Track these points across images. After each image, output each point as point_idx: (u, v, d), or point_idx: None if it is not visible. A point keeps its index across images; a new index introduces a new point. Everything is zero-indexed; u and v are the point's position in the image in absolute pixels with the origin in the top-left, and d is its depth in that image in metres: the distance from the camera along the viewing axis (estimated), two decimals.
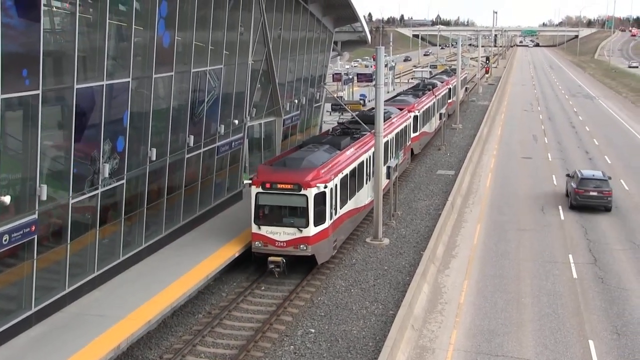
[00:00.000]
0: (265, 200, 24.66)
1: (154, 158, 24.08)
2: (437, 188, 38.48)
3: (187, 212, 27.69)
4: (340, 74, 74.64)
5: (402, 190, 37.41)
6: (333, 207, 25.44)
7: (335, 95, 58.63)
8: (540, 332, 21.15)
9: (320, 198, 24.46)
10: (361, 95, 72.27)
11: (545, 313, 22.48)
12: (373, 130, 29.97)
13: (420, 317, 21.88)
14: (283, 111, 37.69)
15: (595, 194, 34.38)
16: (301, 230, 24.36)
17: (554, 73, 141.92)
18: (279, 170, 25.20)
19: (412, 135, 43.74)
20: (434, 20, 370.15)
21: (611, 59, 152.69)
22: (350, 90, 75.74)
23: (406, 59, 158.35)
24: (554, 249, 28.81)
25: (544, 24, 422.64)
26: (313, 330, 21.03)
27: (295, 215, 24.58)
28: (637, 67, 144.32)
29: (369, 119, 32.50)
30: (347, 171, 27.10)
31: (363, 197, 29.93)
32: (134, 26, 22.06)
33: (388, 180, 32.35)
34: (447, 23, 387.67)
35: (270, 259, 24.60)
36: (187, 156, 26.92)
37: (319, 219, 24.56)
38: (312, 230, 24.42)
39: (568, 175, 37.17)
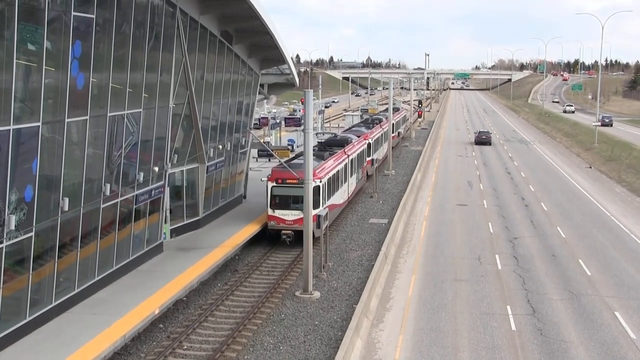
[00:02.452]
0: (278, 192, 36.41)
1: (66, 208, 23.56)
2: (369, 237, 38.76)
3: (102, 267, 27.09)
4: (267, 118, 74.99)
5: (333, 240, 37.54)
6: (324, 197, 37.21)
7: (262, 141, 58.75)
8: None
9: (316, 190, 35.36)
10: (289, 140, 72.66)
11: None
12: (344, 148, 46.35)
13: None
14: (206, 157, 37.54)
15: (484, 137, 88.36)
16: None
17: (488, 117, 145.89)
18: (286, 171, 36.38)
19: (367, 159, 54.99)
20: (365, 62, 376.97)
21: (544, 103, 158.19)
22: (278, 135, 76.12)
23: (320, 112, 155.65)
24: (491, 300, 29.26)
25: (477, 67, 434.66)
26: None
27: (299, 201, 34.73)
28: (558, 102, 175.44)
29: (337, 143, 47.96)
30: (330, 174, 39.22)
31: (339, 197, 42.04)
32: (44, 67, 21.74)
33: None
34: (377, 65, 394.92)
35: (283, 232, 36.34)
36: (102, 206, 26.45)
37: (316, 204, 34.70)
38: (311, 212, 33.19)
39: (475, 132, 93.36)
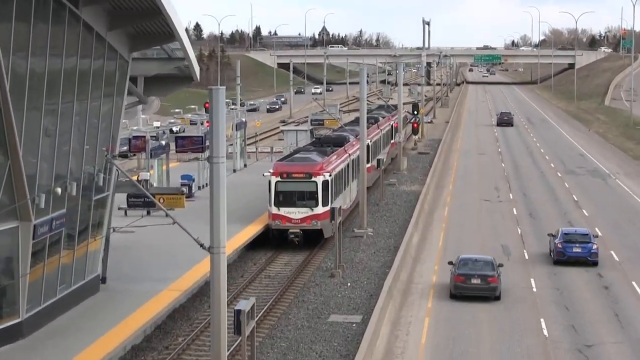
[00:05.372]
0: (282, 187, 55.72)
1: None
2: (329, 349, 38.46)
3: None
4: (145, 137, 74.64)
5: (266, 356, 37.14)
6: (332, 194, 56.58)
7: (136, 179, 58.45)
8: None
9: (325, 184, 55.51)
10: (184, 177, 72.12)
11: None
12: (344, 147, 68.50)
13: None
14: (33, 210, 37.09)
15: (506, 118, 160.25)
16: (312, 210, 55.47)
17: (535, 131, 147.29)
18: (291, 164, 57.42)
19: (367, 165, 70.52)
20: (317, 37, 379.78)
21: (633, 105, 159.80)
22: (163, 168, 75.82)
23: None
24: None
25: (513, 43, 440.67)
26: None
27: (307, 197, 55.60)
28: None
29: (335, 141, 70.96)
30: (336, 171, 58.54)
31: (343, 199, 60.87)
32: None
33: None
34: (341, 42, 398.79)
35: (291, 231, 55.47)
36: None
37: (325, 201, 55.43)
38: (320, 209, 55.24)
39: (497, 113, 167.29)
